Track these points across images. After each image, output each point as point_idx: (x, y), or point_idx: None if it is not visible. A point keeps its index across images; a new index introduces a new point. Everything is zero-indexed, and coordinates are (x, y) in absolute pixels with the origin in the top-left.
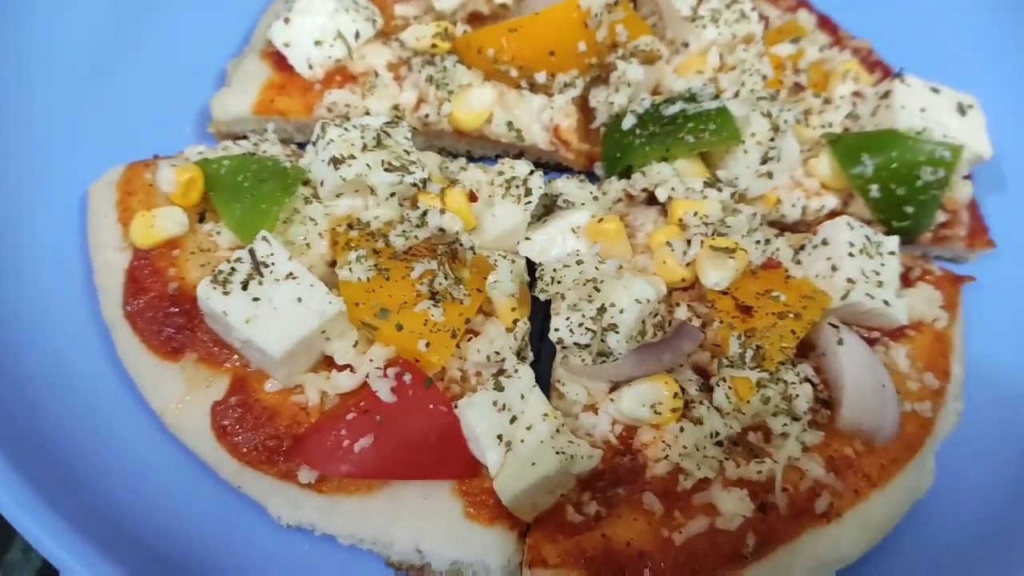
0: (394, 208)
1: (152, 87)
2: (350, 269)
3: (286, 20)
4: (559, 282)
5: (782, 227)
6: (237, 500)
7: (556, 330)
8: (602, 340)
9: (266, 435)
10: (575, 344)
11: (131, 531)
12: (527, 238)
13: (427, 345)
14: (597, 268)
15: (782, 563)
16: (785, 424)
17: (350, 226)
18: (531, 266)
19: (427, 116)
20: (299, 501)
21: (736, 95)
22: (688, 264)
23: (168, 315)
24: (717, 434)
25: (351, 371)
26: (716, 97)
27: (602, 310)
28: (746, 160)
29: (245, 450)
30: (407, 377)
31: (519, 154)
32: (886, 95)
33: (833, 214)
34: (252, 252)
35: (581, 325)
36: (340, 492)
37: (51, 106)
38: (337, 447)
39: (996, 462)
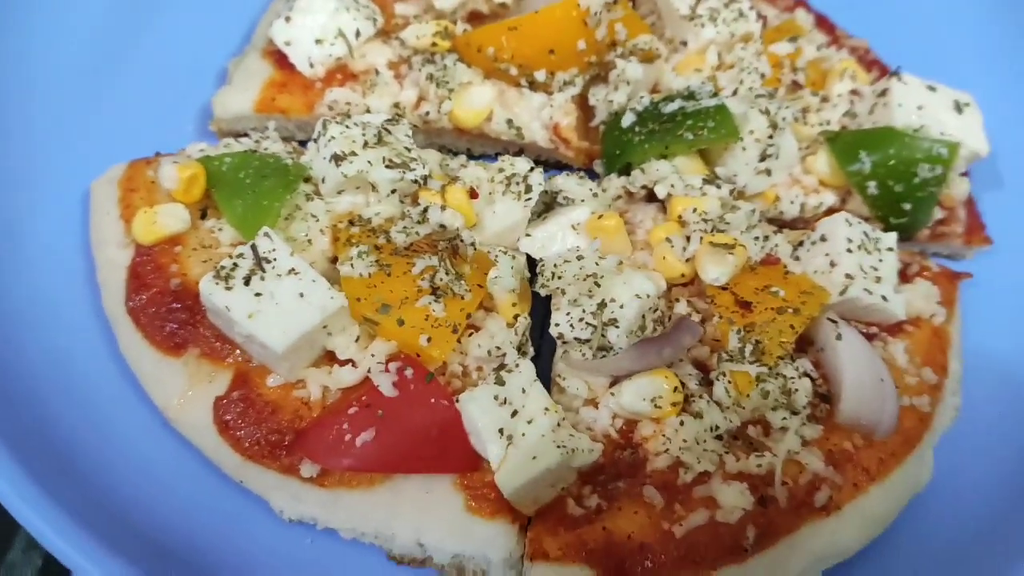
0: (395, 205)
1: (153, 86)
2: (351, 265)
3: (287, 19)
4: (560, 277)
5: (781, 224)
6: (239, 495)
7: (557, 325)
8: (602, 335)
9: (268, 429)
10: (575, 339)
11: (134, 526)
12: (527, 234)
13: (428, 340)
14: (597, 263)
15: (782, 556)
16: (784, 418)
17: (351, 222)
18: (531, 262)
19: (427, 114)
20: (301, 495)
21: (734, 93)
22: (687, 260)
23: (170, 311)
24: (717, 428)
25: (353, 366)
26: (715, 95)
27: (602, 305)
28: (745, 157)
29: (247, 444)
30: (408, 372)
31: (519, 152)
32: (883, 93)
33: (831, 211)
34: (254, 248)
35: (581, 320)
36: (342, 486)
37: (53, 104)
38: (339, 441)
39: (994, 457)
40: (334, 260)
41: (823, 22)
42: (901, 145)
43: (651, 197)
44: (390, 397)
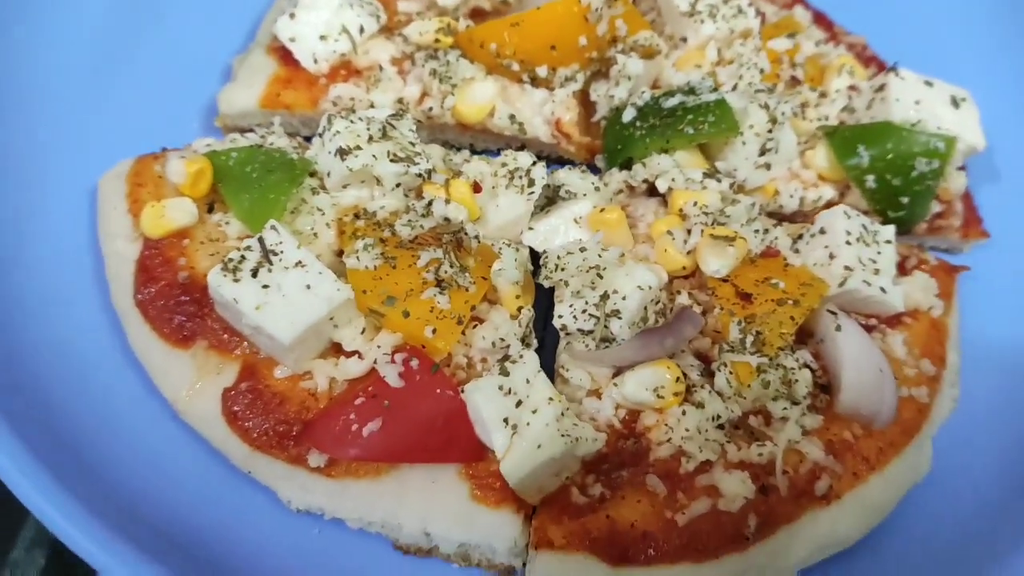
0: (400, 198)
1: (159, 82)
2: (357, 257)
3: (292, 15)
4: (563, 269)
5: (780, 217)
6: (247, 486)
7: (560, 317)
8: (605, 326)
9: (276, 420)
10: (579, 330)
11: (143, 517)
12: (530, 228)
13: (433, 331)
14: (600, 256)
15: (783, 544)
16: (785, 408)
17: (356, 216)
18: (534, 255)
19: (431, 110)
20: (309, 485)
21: (734, 88)
22: (688, 253)
23: (179, 303)
24: (718, 417)
25: (359, 357)
26: (715, 90)
27: (605, 297)
28: (744, 151)
29: (255, 435)
30: (414, 363)
31: (521, 147)
32: (881, 88)
33: (830, 205)
34: (261, 240)
35: (584, 311)
36: (349, 476)
37: (60, 101)
38: (346, 431)
39: (992, 448)
40: (340, 253)
41: (821, 19)
42: (899, 139)
43: (652, 191)
44: (396, 388)
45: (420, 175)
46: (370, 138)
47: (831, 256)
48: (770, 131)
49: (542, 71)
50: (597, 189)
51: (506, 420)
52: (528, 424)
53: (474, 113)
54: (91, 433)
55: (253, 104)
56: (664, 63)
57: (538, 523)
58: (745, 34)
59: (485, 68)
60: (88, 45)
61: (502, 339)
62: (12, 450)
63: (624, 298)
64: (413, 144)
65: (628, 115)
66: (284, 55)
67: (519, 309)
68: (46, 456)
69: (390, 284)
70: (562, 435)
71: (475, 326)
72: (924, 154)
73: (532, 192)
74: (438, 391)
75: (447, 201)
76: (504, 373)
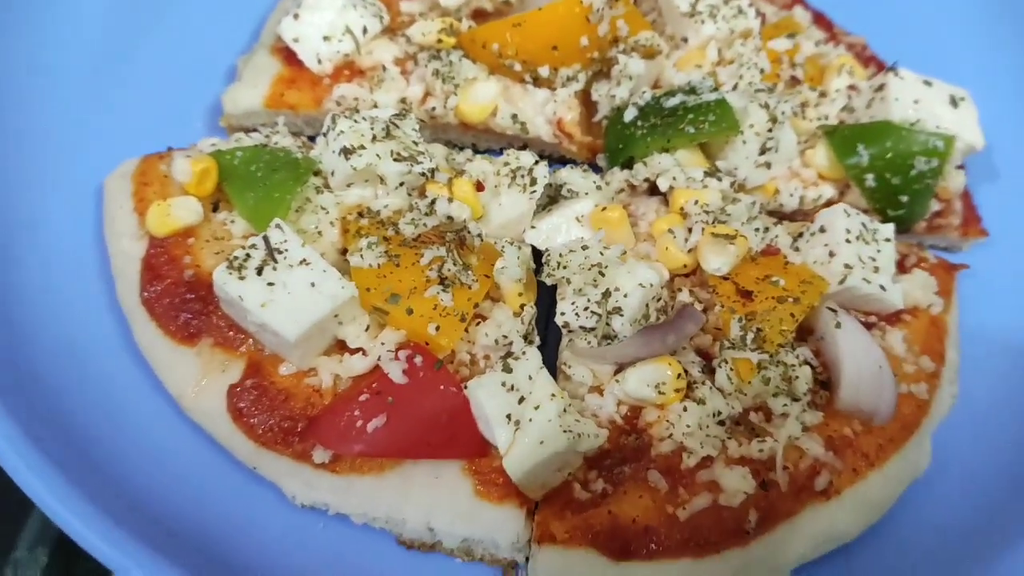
0: (403, 197)
1: (163, 82)
2: (361, 256)
3: (295, 16)
4: (565, 267)
5: (781, 216)
6: (253, 481)
7: (562, 314)
8: (607, 323)
9: (281, 417)
10: (581, 327)
11: (150, 512)
12: (533, 226)
13: (437, 329)
14: (602, 254)
15: (783, 539)
16: (785, 404)
17: (360, 214)
18: (536, 253)
19: (434, 109)
20: (313, 481)
21: (734, 88)
22: (690, 251)
23: (184, 301)
24: (719, 414)
25: (363, 354)
26: (715, 90)
27: (607, 294)
28: (745, 151)
29: (261, 431)
30: (418, 360)
31: (523, 146)
32: (880, 88)
33: (830, 203)
34: (266, 239)
35: (586, 309)
36: (353, 472)
37: (65, 101)
38: (351, 427)
39: (991, 444)
40: (344, 251)
41: (821, 19)
42: (898, 139)
43: (653, 190)
44: (400, 384)
45: (423, 174)
46: (374, 137)
47: (831, 254)
48: (770, 130)
49: (544, 71)
50: (599, 188)
51: (509, 416)
52: (531, 420)
53: (477, 113)
54: (97, 429)
55: (258, 104)
56: (665, 63)
57: (541, 518)
58: (745, 34)
59: (487, 68)
60: (93, 45)
61: (505, 336)
62: (22, 449)
63: (626, 296)
64: (416, 143)
65: (629, 115)
66: (288, 56)
67: (522, 307)
68: (54, 452)
69: (394, 282)
70: (564, 431)
71: (478, 323)
72: (923, 153)
73: (534, 191)
74: (442, 388)
75: (450, 200)
76: (507, 370)
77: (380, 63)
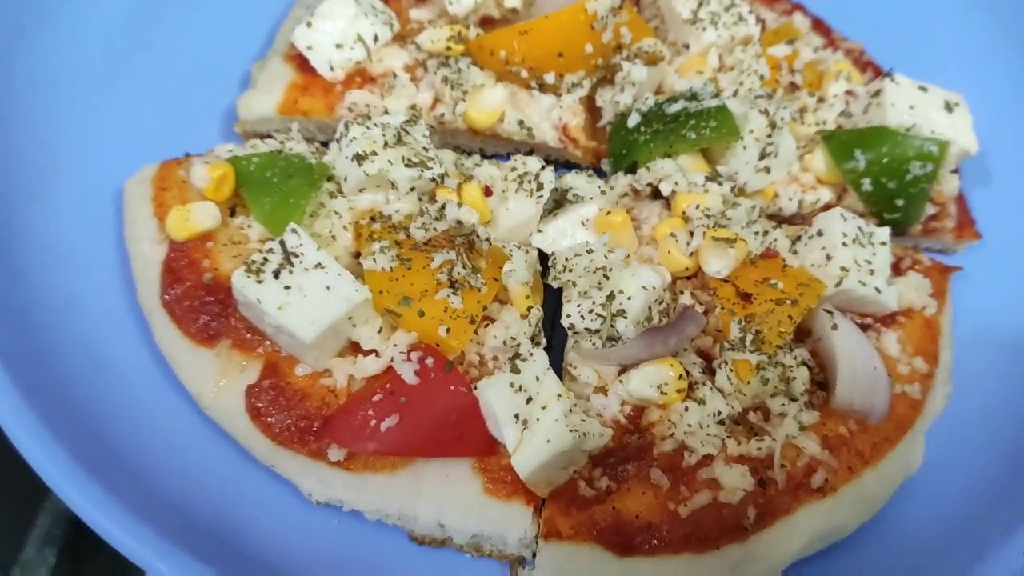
0: (414, 202)
1: (179, 89)
2: (374, 259)
3: (309, 24)
4: (571, 270)
5: (779, 220)
6: (270, 479)
7: (568, 316)
8: (611, 325)
9: (297, 416)
10: (586, 329)
11: (172, 509)
12: (539, 230)
13: (447, 331)
14: (606, 257)
15: (780, 535)
16: (783, 404)
17: (373, 219)
18: (543, 256)
19: (443, 115)
20: (329, 479)
21: (735, 94)
22: (691, 254)
23: (204, 303)
24: (719, 413)
25: (376, 356)
26: (716, 96)
27: (611, 297)
28: (745, 156)
29: (278, 430)
30: (429, 361)
31: (530, 151)
32: (877, 93)
33: (828, 207)
34: (283, 243)
35: (591, 311)
36: (367, 470)
37: (82, 108)
38: (364, 426)
39: (983, 443)
40: (357, 255)
41: (819, 25)
42: (894, 143)
43: (656, 194)
44: (412, 385)
45: (433, 179)
46: (385, 144)
47: (828, 257)
48: (770, 136)
49: (550, 78)
50: (603, 192)
51: (517, 416)
52: (538, 420)
53: (484, 119)
54: (120, 429)
55: (272, 110)
56: (667, 69)
57: (547, 515)
58: (746, 41)
59: (495, 75)
60: (111, 53)
61: (513, 338)
62: (54, 451)
63: (629, 298)
64: (426, 149)
65: (633, 120)
66: (301, 63)
67: (529, 309)
68: (83, 454)
69: (406, 285)
70: (570, 430)
71: (487, 325)
72: (918, 158)
73: (541, 195)
74: (452, 388)
75: (459, 204)
76: (515, 371)
77: (391, 70)
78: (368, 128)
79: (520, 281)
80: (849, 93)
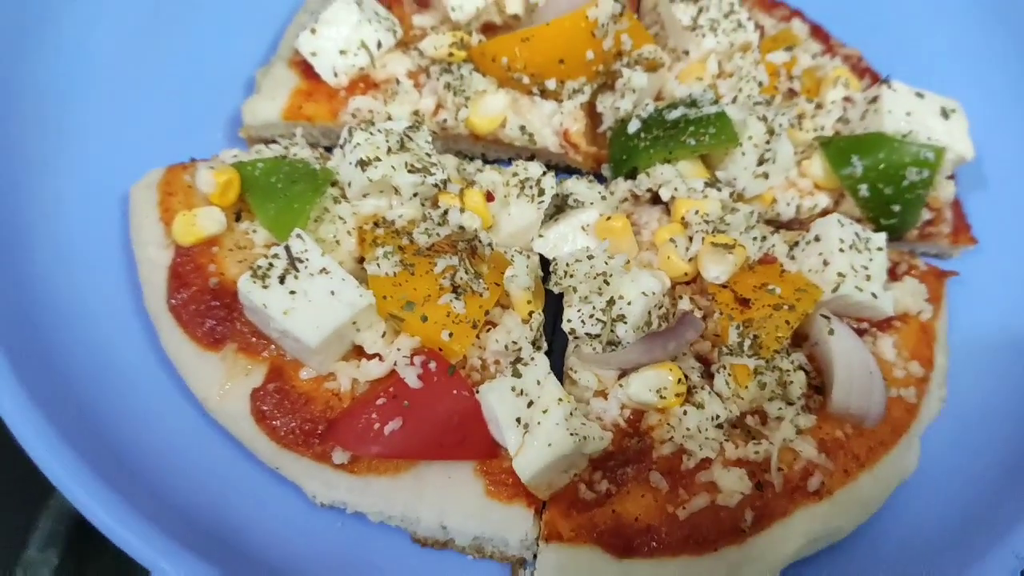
0: (417, 207)
1: (184, 94)
2: (378, 264)
3: (313, 31)
4: (571, 276)
5: (777, 225)
6: (275, 482)
7: (569, 321)
8: (611, 330)
9: (302, 419)
10: (586, 334)
11: (177, 510)
12: (540, 235)
13: (450, 335)
14: (606, 263)
15: (777, 537)
16: (780, 408)
17: (376, 224)
18: (544, 261)
19: (445, 121)
20: (332, 481)
21: (734, 100)
22: (690, 259)
23: (209, 308)
24: (718, 417)
25: (380, 360)
26: (715, 102)
27: (611, 302)
28: (744, 162)
29: (283, 433)
30: (432, 365)
31: (531, 157)
32: (874, 100)
33: (825, 213)
34: (288, 249)
35: (592, 316)
36: (371, 472)
37: (88, 112)
38: (368, 430)
39: (978, 447)
40: (361, 260)
41: (818, 32)
42: (891, 150)
43: (656, 200)
44: (415, 389)
45: (436, 185)
46: (389, 150)
47: (825, 263)
48: (768, 142)
49: (551, 84)
50: (603, 198)
51: (518, 419)
52: (539, 423)
53: (486, 124)
54: (126, 431)
55: (276, 116)
56: (667, 76)
57: (548, 517)
58: (744, 47)
59: (497, 81)
60: (117, 58)
61: (514, 342)
62: (63, 454)
63: (629, 303)
64: (429, 155)
65: (633, 127)
66: (305, 69)
67: (530, 314)
68: (91, 456)
69: (409, 290)
70: (571, 434)
71: (489, 330)
72: (915, 164)
73: (542, 201)
74: (454, 392)
75: (462, 210)
76: (516, 375)
77: (394, 76)
78: (371, 134)
79: (522, 286)
80: (847, 99)
